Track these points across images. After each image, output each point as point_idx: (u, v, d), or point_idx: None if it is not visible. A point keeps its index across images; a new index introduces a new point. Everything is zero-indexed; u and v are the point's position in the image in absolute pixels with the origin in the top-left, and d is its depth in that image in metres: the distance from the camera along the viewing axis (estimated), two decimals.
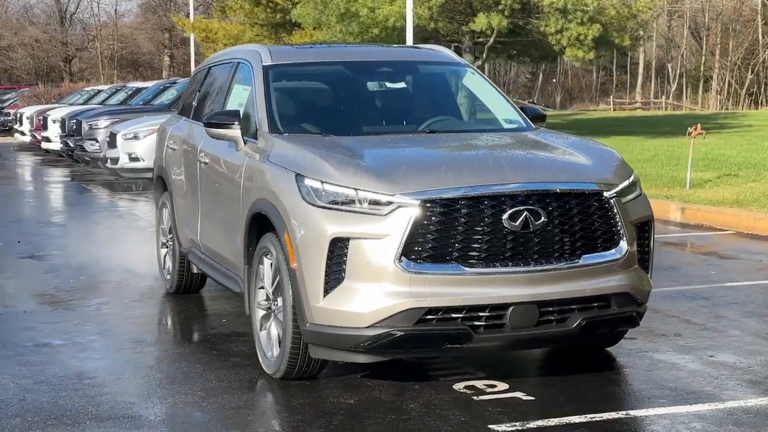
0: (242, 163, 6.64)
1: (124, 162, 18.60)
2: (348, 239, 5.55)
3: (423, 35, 28.88)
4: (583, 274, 5.76)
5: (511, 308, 5.60)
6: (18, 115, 36.00)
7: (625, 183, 6.04)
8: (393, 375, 6.18)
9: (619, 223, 5.88)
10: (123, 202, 16.98)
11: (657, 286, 8.72)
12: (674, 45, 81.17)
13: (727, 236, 12.20)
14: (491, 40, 27.46)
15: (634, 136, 30.38)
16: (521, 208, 5.58)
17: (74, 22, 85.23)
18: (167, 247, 8.81)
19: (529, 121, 7.22)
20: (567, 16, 25.78)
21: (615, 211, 5.87)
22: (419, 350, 5.74)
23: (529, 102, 79.55)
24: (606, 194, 5.85)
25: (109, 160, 19.07)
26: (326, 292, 5.60)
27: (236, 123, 6.71)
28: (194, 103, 8.49)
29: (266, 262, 6.16)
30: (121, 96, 27.84)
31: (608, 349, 6.71)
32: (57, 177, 22.48)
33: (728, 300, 8.38)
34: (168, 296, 8.67)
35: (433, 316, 5.53)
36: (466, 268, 5.52)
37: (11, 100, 45.85)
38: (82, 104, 29.91)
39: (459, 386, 5.96)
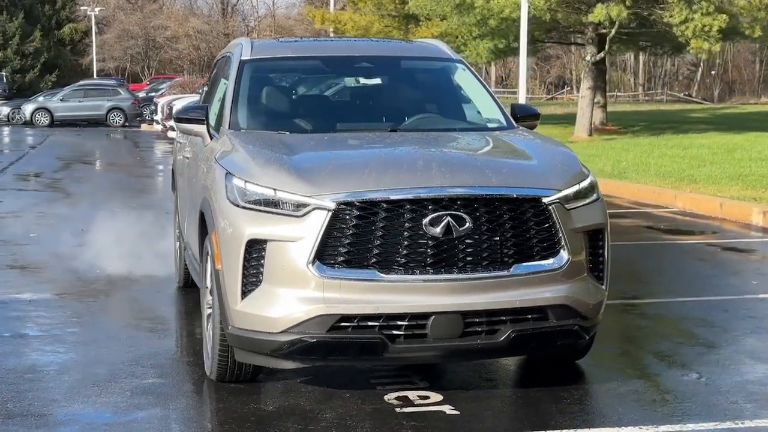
0: (204, 159, 6.57)
1: None
2: (266, 241, 5.40)
3: (545, 26, 28.33)
4: (514, 284, 5.43)
5: (432, 318, 5.33)
6: (155, 105, 37.18)
7: (572, 189, 5.67)
8: (335, 380, 6.02)
9: (560, 231, 5.52)
10: None
11: (674, 294, 8.31)
12: None
13: None
14: (613, 32, 26.60)
15: None
16: (443, 213, 5.30)
17: (235, 13, 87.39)
18: (179, 242, 8.84)
19: (511, 120, 6.90)
20: (692, 6, 24.74)
21: (554, 218, 5.51)
22: (335, 359, 5.53)
23: (684, 95, 77.24)
24: (545, 200, 5.50)
25: None
26: (244, 295, 5.46)
27: (203, 118, 6.65)
28: (202, 98, 8.49)
29: (209, 262, 6.08)
30: None
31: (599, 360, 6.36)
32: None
33: (748, 314, 7.83)
34: (178, 290, 8.68)
35: (349, 324, 5.32)
36: (383, 275, 5.28)
37: (163, 90, 47.29)
38: None
39: (390, 396, 5.73)
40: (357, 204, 5.29)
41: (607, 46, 27.79)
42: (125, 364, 6.42)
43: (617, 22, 25.62)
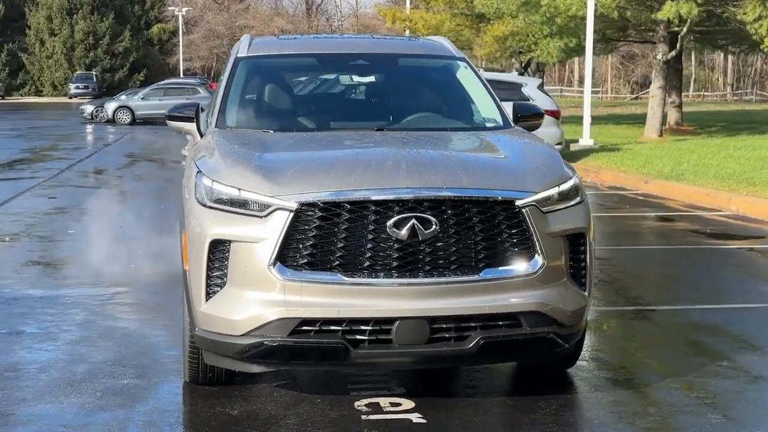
0: (189, 158, 6.50)
1: None
2: (229, 242, 5.29)
3: (616, 24, 27.81)
4: (484, 289, 5.23)
5: (397, 323, 5.16)
6: None
7: (550, 191, 5.43)
8: (311, 384, 5.91)
9: (534, 235, 5.30)
10: None
11: (695, 301, 8.00)
12: None
13: None
14: (684, 30, 25.94)
15: None
16: (408, 215, 5.12)
17: (319, 12, 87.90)
18: None
19: (508, 120, 6.69)
20: (765, 3, 23.98)
21: (528, 221, 5.28)
22: (297, 363, 5.39)
23: None
24: (519, 203, 5.28)
25: None
26: (208, 296, 5.35)
27: (193, 116, 6.58)
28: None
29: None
30: None
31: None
32: None
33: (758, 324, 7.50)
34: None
35: (311, 328, 5.17)
36: (346, 278, 5.13)
37: None
38: None
39: (361, 402, 5.58)
40: (319, 205, 5.14)
41: (678, 45, 27.13)
42: (107, 363, 6.38)
43: (689, 20, 24.99)
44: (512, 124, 6.66)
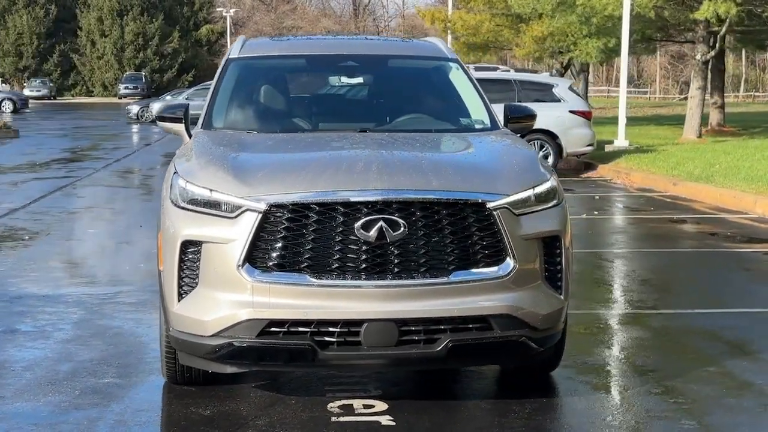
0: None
1: None
2: (201, 243, 5.31)
3: (655, 24, 27.52)
4: (453, 291, 5.19)
5: (365, 325, 5.15)
6: None
7: (523, 194, 5.37)
8: (291, 384, 5.93)
9: (505, 238, 5.26)
10: None
11: (698, 305, 7.90)
12: None
13: None
14: (723, 30, 25.60)
15: None
16: (376, 217, 5.11)
17: (366, 13, 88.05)
18: None
19: (496, 121, 6.64)
20: None
21: (499, 224, 5.25)
22: (267, 364, 5.40)
23: None
24: (490, 205, 5.24)
25: None
26: (180, 297, 5.38)
27: (181, 117, 6.62)
28: None
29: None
30: None
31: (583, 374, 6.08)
32: None
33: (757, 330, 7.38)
34: None
35: (279, 329, 5.17)
36: (314, 280, 5.12)
37: None
38: None
39: (335, 404, 5.58)
40: (288, 206, 5.14)
41: (717, 45, 26.79)
42: (93, 362, 6.43)
43: (727, 20, 24.66)
44: (500, 126, 6.62)
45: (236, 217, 5.21)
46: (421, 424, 5.32)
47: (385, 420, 5.35)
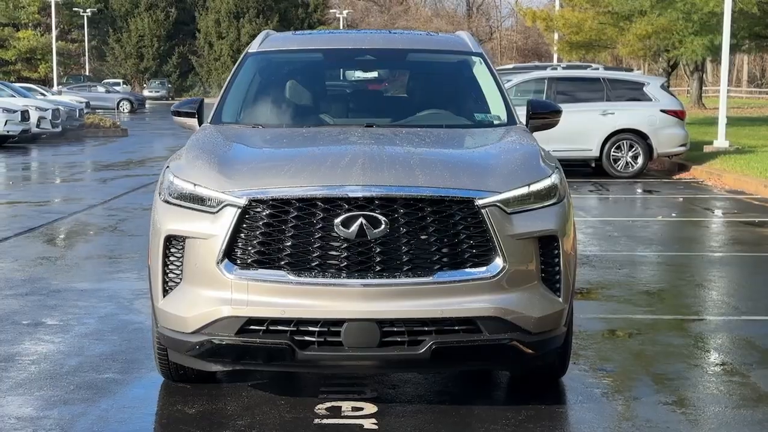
0: None
1: None
2: (184, 238, 5.22)
3: (763, 21, 26.58)
4: (438, 292, 4.97)
5: (345, 325, 4.97)
6: None
7: (516, 192, 5.11)
8: (286, 384, 5.80)
9: (494, 237, 5.02)
10: None
11: (748, 312, 7.52)
12: None
13: None
14: None
15: None
16: (356, 213, 4.93)
17: (479, 13, 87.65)
18: None
19: (514, 117, 6.38)
20: None
21: (488, 222, 5.01)
22: (247, 363, 5.25)
23: None
24: (478, 202, 5.01)
25: None
26: (165, 293, 5.29)
27: (194, 111, 6.55)
28: None
29: None
30: None
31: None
32: None
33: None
34: None
35: (259, 327, 5.02)
36: (293, 277, 4.97)
37: None
38: None
39: (322, 406, 5.43)
40: (267, 201, 5.00)
41: None
42: (101, 357, 6.41)
43: None
44: (516, 122, 6.36)
45: (218, 212, 5.10)
46: (403, 429, 5.12)
47: (368, 423, 5.18)
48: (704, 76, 49.83)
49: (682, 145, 19.20)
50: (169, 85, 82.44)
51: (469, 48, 6.98)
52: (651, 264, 9.93)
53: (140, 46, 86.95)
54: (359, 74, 6.83)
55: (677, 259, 10.21)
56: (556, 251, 5.24)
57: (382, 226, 4.92)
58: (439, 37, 7.53)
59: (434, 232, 4.98)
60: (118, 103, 57.24)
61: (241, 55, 6.94)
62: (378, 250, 4.94)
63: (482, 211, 5.00)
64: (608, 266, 9.62)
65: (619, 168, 18.62)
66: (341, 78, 6.96)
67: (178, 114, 6.63)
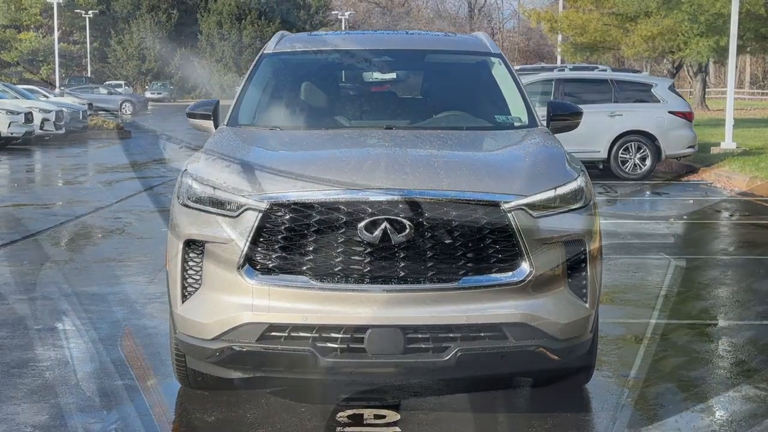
0: None
1: None
2: (204, 242, 5.11)
3: None
4: (463, 298, 4.86)
5: (368, 331, 4.87)
6: None
7: (543, 195, 5.00)
8: (306, 392, 5.69)
9: (521, 241, 4.91)
10: None
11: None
12: None
13: None
14: None
15: None
16: (381, 217, 4.82)
17: (481, 15, 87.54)
18: None
19: (535, 118, 6.29)
20: None
21: (514, 226, 4.90)
22: (269, 370, 5.14)
23: None
24: (504, 206, 4.90)
25: None
26: (184, 298, 5.18)
27: (209, 113, 6.46)
28: None
29: None
30: None
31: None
32: None
33: None
34: None
35: (281, 334, 4.92)
36: (315, 283, 4.87)
37: None
38: None
39: (344, 413, 5.33)
40: (289, 205, 4.90)
41: None
42: (118, 362, 6.32)
43: None
44: (538, 123, 6.26)
45: (238, 216, 4.99)
46: None
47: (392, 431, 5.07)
48: (707, 77, 49.73)
49: (690, 147, 19.09)
50: (171, 87, 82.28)
51: (488, 49, 6.89)
52: (665, 267, 9.82)
53: (142, 48, 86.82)
54: (377, 75, 6.73)
55: (692, 262, 10.10)
56: (583, 256, 5.14)
57: (407, 231, 4.81)
58: (457, 37, 7.43)
59: (459, 236, 4.87)
60: (120, 105, 57.12)
61: (257, 57, 6.84)
62: (402, 254, 4.83)
63: (508, 214, 4.90)
64: (623, 269, 9.52)
65: (627, 170, 18.52)
66: (359, 79, 6.86)
67: (194, 116, 6.53)
